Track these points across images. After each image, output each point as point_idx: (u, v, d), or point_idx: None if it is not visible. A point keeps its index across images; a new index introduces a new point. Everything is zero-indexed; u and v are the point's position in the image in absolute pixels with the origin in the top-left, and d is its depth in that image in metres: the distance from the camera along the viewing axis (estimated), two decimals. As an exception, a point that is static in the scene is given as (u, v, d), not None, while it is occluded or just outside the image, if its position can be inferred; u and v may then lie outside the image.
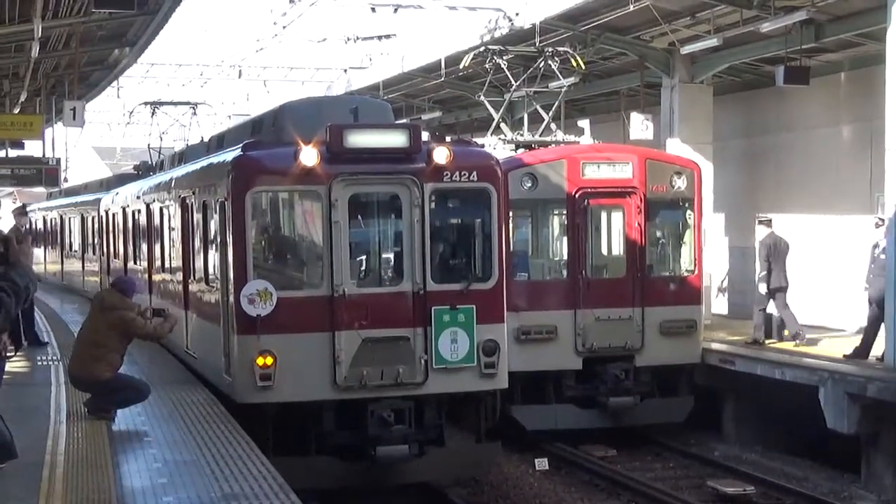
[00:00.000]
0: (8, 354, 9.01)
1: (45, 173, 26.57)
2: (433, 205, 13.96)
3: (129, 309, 12.55)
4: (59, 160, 28.62)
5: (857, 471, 16.76)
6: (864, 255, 18.33)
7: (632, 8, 20.80)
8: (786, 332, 20.27)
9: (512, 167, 18.17)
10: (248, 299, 13.36)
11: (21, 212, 21.27)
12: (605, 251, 20.06)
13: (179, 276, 17.32)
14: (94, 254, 29.30)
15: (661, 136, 24.75)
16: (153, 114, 26.52)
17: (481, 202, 14.21)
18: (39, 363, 16.96)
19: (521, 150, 19.77)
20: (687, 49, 22.62)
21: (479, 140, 19.32)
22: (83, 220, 31.50)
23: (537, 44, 22.37)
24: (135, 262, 22.08)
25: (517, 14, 23.78)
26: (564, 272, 18.97)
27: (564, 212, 19.03)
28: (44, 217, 40.24)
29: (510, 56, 21.52)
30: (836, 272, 22.04)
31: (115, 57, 27.52)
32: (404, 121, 32.11)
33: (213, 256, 15.14)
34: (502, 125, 22.14)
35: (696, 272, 19.36)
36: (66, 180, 36.47)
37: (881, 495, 16.00)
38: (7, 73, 27.30)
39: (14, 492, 8.97)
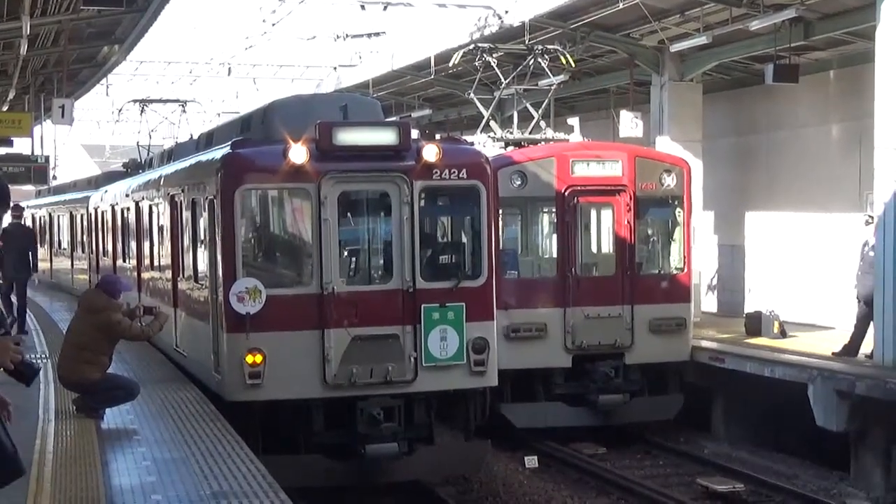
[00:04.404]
0: None
1: (33, 171, 26.58)
2: (423, 202, 13.95)
3: (115, 310, 12.50)
4: (47, 158, 28.64)
5: (847, 468, 16.79)
6: (853, 253, 18.36)
7: (621, 6, 20.81)
8: (774, 329, 20.36)
9: (501, 165, 18.17)
10: (237, 297, 13.33)
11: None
12: (594, 249, 20.06)
13: (168, 273, 17.28)
14: (82, 252, 29.25)
15: (650, 133, 24.79)
16: (142, 111, 26.45)
17: (471, 200, 14.20)
18: (28, 361, 16.90)
19: (510, 148, 19.75)
20: (676, 47, 22.65)
21: (468, 138, 19.31)
22: (72, 217, 31.44)
23: (527, 41, 22.37)
24: (124, 260, 22.04)
25: (507, 12, 23.78)
26: (554, 270, 18.98)
27: (554, 209, 19.03)
28: (32, 215, 40.15)
29: (500, 54, 21.51)
30: (825, 270, 22.09)
31: (104, 54, 27.49)
32: (394, 118, 32.11)
33: (203, 254, 15.11)
34: (492, 123, 22.13)
35: (686, 270, 19.36)
36: (54, 178, 36.41)
37: (870, 493, 16.03)
38: (-5, 70, 27.27)
39: (2, 490, 8.94)
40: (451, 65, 22.59)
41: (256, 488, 9.32)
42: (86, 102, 44.84)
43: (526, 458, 17.76)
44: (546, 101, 21.63)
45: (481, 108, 21.59)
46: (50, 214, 36.47)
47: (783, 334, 20.31)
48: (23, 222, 25.45)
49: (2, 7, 19.42)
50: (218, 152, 14.64)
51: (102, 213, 25.34)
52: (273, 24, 32.77)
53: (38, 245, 29.01)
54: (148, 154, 24.55)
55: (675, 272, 19.35)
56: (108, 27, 23.98)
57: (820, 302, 22.08)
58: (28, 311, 22.10)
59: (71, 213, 31.66)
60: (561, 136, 20.68)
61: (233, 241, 13.58)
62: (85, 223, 28.64)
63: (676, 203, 19.38)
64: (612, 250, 19.32)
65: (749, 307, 23.12)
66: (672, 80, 24.02)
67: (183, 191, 16.24)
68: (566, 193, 18.67)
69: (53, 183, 36.13)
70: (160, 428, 11.99)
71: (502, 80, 21.11)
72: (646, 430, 19.41)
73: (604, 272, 19.29)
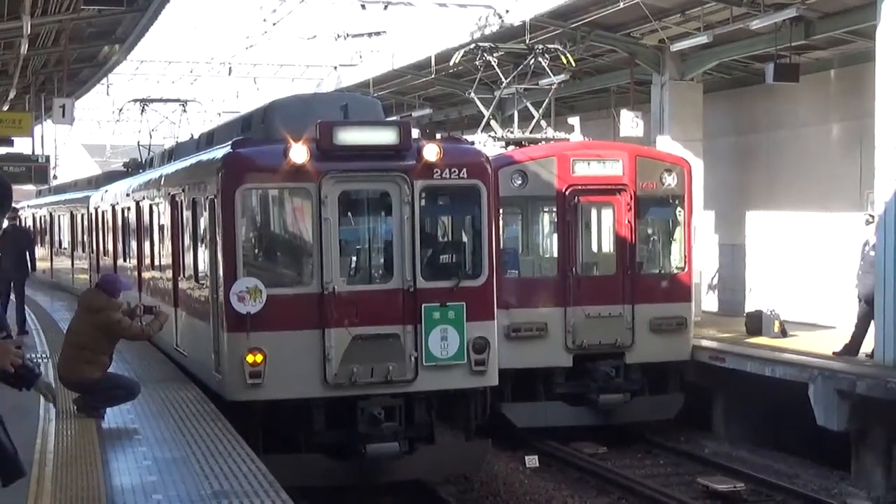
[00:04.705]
0: None
1: (34, 170, 26.60)
2: (423, 202, 13.95)
3: (114, 310, 12.48)
4: (48, 157, 28.67)
5: (847, 468, 16.79)
6: (853, 253, 18.35)
7: (622, 5, 20.81)
8: (775, 328, 20.36)
9: (502, 164, 18.16)
10: (237, 297, 13.33)
11: None
12: (595, 248, 20.04)
13: (169, 273, 17.29)
14: (83, 251, 29.26)
15: (651, 133, 24.78)
16: (143, 111, 26.43)
17: (471, 199, 14.19)
18: (28, 361, 16.89)
19: (511, 148, 19.75)
20: (677, 46, 22.64)
21: (469, 137, 19.31)
22: (72, 217, 31.44)
23: (527, 41, 22.36)
24: (124, 260, 22.05)
25: (507, 11, 23.78)
26: (555, 269, 18.97)
27: (554, 209, 19.03)
28: (33, 214, 40.17)
29: (500, 53, 21.51)
30: (825, 269, 22.08)
31: (104, 54, 27.49)
32: (394, 118, 32.11)
33: (203, 254, 15.11)
34: (492, 122, 22.12)
35: (686, 269, 19.35)
36: (55, 177, 36.43)
37: (871, 492, 16.02)
38: (-4, 70, 27.28)
39: (2, 490, 8.93)
40: (451, 64, 22.59)
41: (257, 487, 9.31)
42: (86, 102, 44.88)
43: (526, 458, 17.76)
44: (546, 100, 21.63)
45: (482, 108, 21.59)
46: (50, 214, 36.46)
47: (784, 334, 20.30)
48: (21, 223, 25.55)
49: (2, 7, 19.42)
50: (218, 152, 14.64)
51: (103, 212, 25.34)
52: (274, 24, 32.78)
53: (36, 245, 29.10)
54: (148, 154, 24.55)
55: (675, 271, 19.35)
56: (108, 27, 23.98)
57: (820, 301, 22.07)
58: (29, 310, 22.17)
59: (71, 212, 31.66)
60: (561, 135, 20.68)
61: (233, 241, 13.58)
62: (85, 223, 28.64)
63: (677, 202, 19.37)
64: (612, 250, 19.30)
65: (750, 306, 23.11)
66: (673, 79, 24.01)
67: (183, 190, 16.24)
68: (567, 193, 18.66)
69: (54, 182, 36.13)
70: (161, 427, 11.99)
71: (503, 79, 21.11)
72: (646, 429, 19.40)
73: (604, 271, 19.28)
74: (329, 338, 13.49)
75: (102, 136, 61.44)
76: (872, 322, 17.35)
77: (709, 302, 25.15)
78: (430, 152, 13.70)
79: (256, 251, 14.44)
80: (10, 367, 5.75)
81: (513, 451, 18.23)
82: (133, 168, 25.31)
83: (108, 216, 24.36)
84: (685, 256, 19.36)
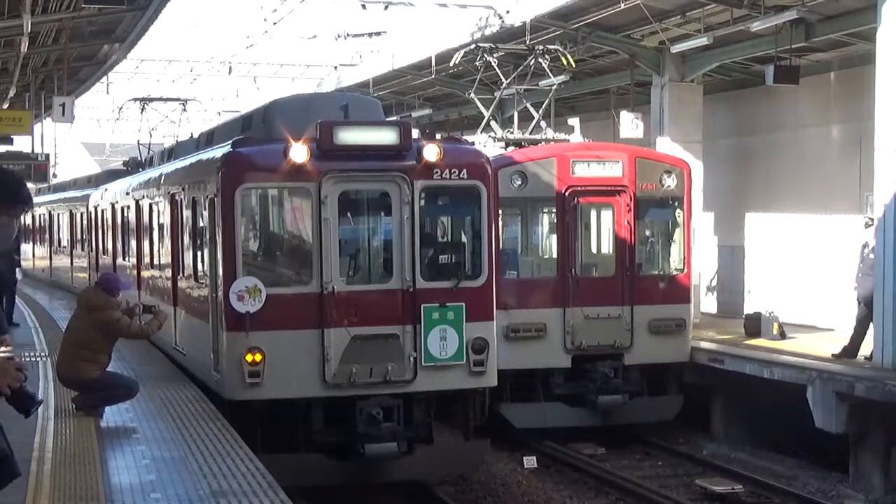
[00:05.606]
0: None
1: (33, 169, 26.61)
2: (423, 202, 13.95)
3: (114, 309, 12.48)
4: (47, 156, 28.67)
5: (846, 470, 16.78)
6: (853, 255, 18.36)
7: (622, 6, 20.81)
8: (774, 330, 20.35)
9: (502, 165, 18.16)
10: (237, 296, 13.34)
11: None
12: (594, 249, 20.06)
13: (168, 272, 17.29)
14: (82, 250, 29.26)
15: (650, 134, 24.77)
16: (143, 110, 26.44)
17: (471, 200, 14.20)
18: (27, 360, 16.90)
19: (511, 148, 19.75)
20: (677, 48, 22.63)
21: (469, 138, 19.30)
22: (72, 216, 31.43)
23: (528, 41, 22.36)
24: (124, 259, 22.05)
25: (508, 12, 23.78)
26: (554, 270, 18.97)
27: (554, 210, 19.03)
28: (32, 213, 40.14)
29: (500, 54, 21.51)
30: (824, 271, 22.07)
31: (104, 52, 27.50)
32: (394, 118, 32.11)
33: (203, 253, 15.11)
34: (492, 123, 22.12)
35: (686, 271, 19.36)
36: (54, 176, 36.42)
37: (869, 494, 16.02)
38: (-4, 68, 27.29)
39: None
40: (451, 64, 22.59)
41: (256, 487, 9.31)
42: (86, 100, 44.91)
43: (525, 459, 17.75)
44: (546, 101, 21.63)
45: (482, 108, 21.59)
46: (50, 212, 36.44)
47: (782, 336, 20.29)
48: None
49: (3, 5, 19.44)
50: (218, 151, 14.63)
51: (102, 211, 25.34)
52: (274, 24, 32.76)
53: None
54: (148, 152, 24.56)
55: (674, 273, 19.35)
56: (108, 25, 23.99)
57: (819, 303, 22.06)
58: (28, 309, 22.21)
59: (71, 211, 31.65)
60: (561, 136, 20.68)
61: (233, 240, 13.59)
62: (85, 221, 28.64)
63: (676, 204, 19.38)
64: (612, 251, 19.31)
65: (749, 308, 23.10)
66: (673, 80, 24.00)
67: (183, 189, 16.24)
68: (566, 194, 18.67)
69: (53, 181, 36.13)
70: (159, 426, 11.99)
71: (503, 80, 21.11)
72: (645, 430, 19.40)
73: (604, 273, 19.29)
74: (328, 337, 13.49)
75: (102, 135, 61.44)
76: (871, 324, 17.35)
77: (708, 303, 25.15)
78: (431, 153, 13.70)
79: (256, 251, 14.45)
80: (6, 389, 5.54)
81: (511, 451, 18.23)
82: (133, 167, 25.31)
83: (108, 215, 24.36)
84: (684, 258, 19.36)
